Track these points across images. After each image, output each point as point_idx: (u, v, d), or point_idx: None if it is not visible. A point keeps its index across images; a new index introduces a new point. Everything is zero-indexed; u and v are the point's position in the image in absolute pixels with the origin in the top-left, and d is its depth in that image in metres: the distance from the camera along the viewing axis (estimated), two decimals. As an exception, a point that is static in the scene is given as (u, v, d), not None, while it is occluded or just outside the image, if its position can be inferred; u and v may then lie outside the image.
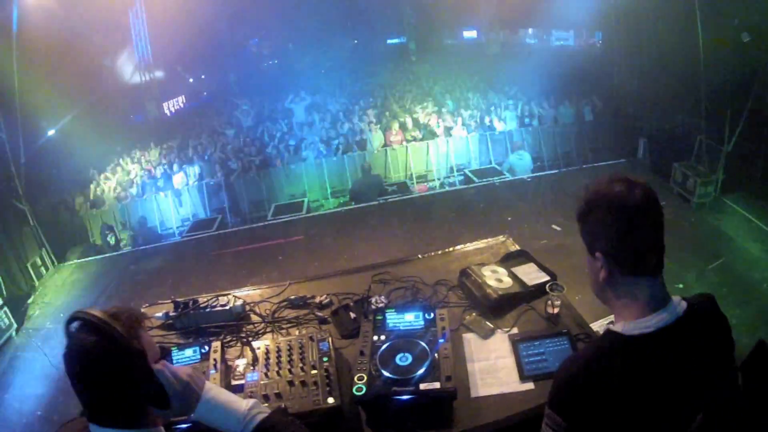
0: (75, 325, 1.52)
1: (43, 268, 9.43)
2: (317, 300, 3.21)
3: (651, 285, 1.54)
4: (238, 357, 2.68)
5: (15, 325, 7.65)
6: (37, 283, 9.06)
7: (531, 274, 3.16)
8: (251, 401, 1.76)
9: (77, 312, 1.52)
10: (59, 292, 8.78)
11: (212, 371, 2.49)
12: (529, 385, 2.41)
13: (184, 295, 3.27)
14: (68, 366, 1.50)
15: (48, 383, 6.23)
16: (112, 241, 10.87)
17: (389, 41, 25.46)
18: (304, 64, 21.97)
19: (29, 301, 8.57)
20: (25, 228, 9.58)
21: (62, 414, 5.42)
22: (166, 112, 19.26)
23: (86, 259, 9.87)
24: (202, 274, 8.36)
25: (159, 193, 12.17)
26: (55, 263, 9.78)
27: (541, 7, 17.51)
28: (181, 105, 20.26)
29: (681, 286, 6.31)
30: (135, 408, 1.57)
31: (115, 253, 10.31)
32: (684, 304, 1.56)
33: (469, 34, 23.94)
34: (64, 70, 11.76)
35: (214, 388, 1.75)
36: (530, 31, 21.23)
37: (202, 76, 22.41)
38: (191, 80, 21.78)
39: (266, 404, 2.20)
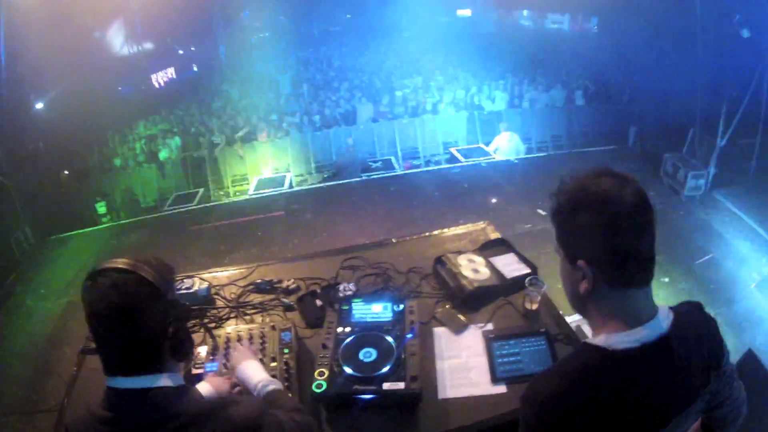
0: (102, 271, 1.47)
1: (25, 244, 9.20)
2: (284, 285, 3.03)
3: (638, 297, 1.34)
4: (200, 344, 2.53)
5: (-4, 303, 7.47)
6: (19, 259, 8.87)
7: (510, 266, 2.98)
8: (265, 378, 2.02)
9: (103, 263, 1.49)
10: (41, 268, 8.57)
11: None
12: (501, 388, 2.25)
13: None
14: (97, 304, 1.43)
15: (29, 363, 6.06)
16: (102, 209, 10.75)
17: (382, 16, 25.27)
18: (295, 37, 21.74)
19: (11, 277, 8.37)
20: (7, 203, 9.33)
21: (42, 394, 5.33)
22: (155, 84, 18.89)
23: (68, 233, 9.66)
24: (181, 248, 8.24)
25: (142, 165, 11.96)
26: (38, 239, 9.55)
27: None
28: (170, 77, 19.88)
29: (667, 279, 6.23)
30: (160, 353, 1.52)
31: (96, 228, 10.12)
32: (671, 316, 1.38)
33: (463, 12, 23.80)
34: (52, 41, 11.46)
35: (239, 370, 2.09)
36: (525, 12, 21.06)
37: (192, 48, 21.98)
38: (181, 52, 21.36)
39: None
